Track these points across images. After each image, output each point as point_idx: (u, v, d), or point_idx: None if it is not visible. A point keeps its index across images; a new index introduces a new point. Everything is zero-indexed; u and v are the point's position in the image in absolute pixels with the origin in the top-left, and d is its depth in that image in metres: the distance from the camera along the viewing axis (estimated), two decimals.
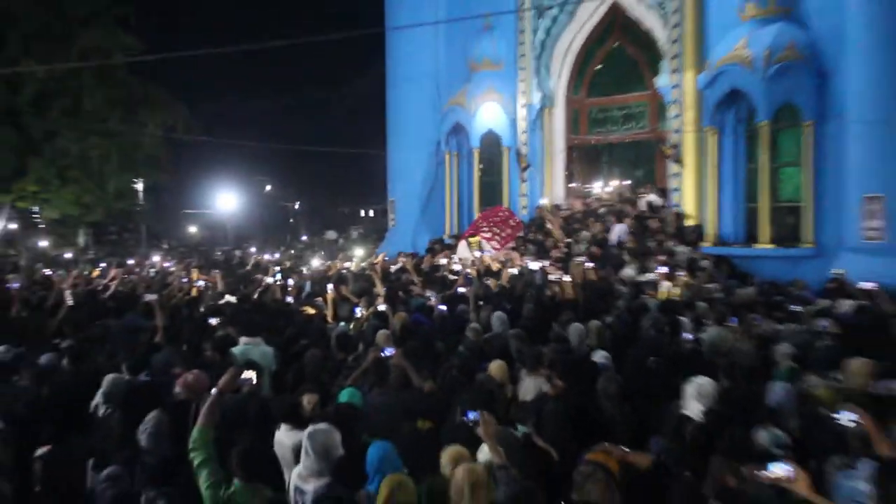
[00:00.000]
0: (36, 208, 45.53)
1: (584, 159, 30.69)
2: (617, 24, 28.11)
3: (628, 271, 18.92)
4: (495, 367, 9.38)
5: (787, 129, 21.75)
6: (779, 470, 5.23)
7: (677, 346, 10.79)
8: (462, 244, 23.98)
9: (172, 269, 22.53)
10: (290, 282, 17.86)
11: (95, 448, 7.97)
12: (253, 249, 29.06)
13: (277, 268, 20.26)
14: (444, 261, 21.37)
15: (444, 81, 31.56)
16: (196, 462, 6.43)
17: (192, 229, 52.18)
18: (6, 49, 40.94)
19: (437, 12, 30.50)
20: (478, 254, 21.86)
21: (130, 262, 24.30)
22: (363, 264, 20.38)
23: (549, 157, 29.59)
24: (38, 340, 11.98)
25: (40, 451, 7.06)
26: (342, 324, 13.48)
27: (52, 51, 40.76)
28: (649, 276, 17.05)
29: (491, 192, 30.47)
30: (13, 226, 45.86)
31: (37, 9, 41.24)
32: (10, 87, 40.88)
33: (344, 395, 7.40)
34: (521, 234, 23.45)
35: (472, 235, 24.22)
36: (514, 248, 22.19)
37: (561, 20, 28.10)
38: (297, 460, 6.67)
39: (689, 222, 23.63)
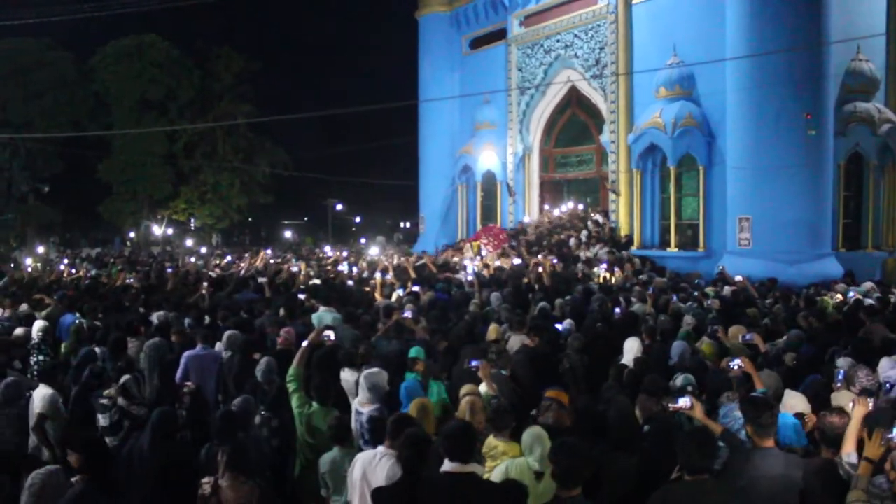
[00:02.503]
0: (184, 219, 45.85)
1: (551, 190, 30.58)
2: (573, 100, 28.02)
3: (582, 264, 18.88)
4: (492, 328, 9.33)
5: (688, 171, 21.72)
6: (682, 402, 5.19)
7: (615, 317, 10.73)
8: (467, 246, 24.12)
9: (274, 260, 22.44)
10: (354, 270, 17.82)
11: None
12: (328, 248, 28.93)
13: (345, 261, 20.16)
14: (455, 259, 21.26)
15: (457, 136, 31.74)
16: (290, 390, 6.43)
17: (288, 233, 52.06)
18: (168, 114, 41.43)
19: (453, 89, 30.79)
20: (478, 256, 21.97)
21: (247, 255, 24.19)
22: (402, 259, 20.27)
23: (528, 189, 29.52)
24: (185, 308, 11.94)
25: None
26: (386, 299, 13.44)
27: (197, 115, 41.15)
28: (596, 269, 16.99)
29: (489, 211, 30.66)
30: (170, 231, 46.08)
31: (188, 90, 41.60)
32: (170, 139, 41.29)
33: (412, 352, 7.34)
34: (506, 244, 23.45)
35: (475, 241, 24.51)
36: (501, 251, 22.13)
37: (536, 97, 28.05)
38: (356, 393, 6.64)
39: (623, 233, 23.54)
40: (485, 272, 16.69)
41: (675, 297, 12.41)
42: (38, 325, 9.14)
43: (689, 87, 21.39)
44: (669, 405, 5.34)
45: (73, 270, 19.96)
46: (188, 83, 42.00)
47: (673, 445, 4.50)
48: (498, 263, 18.35)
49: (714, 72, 19.50)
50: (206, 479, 4.85)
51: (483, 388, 6.72)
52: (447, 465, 4.28)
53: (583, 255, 20.72)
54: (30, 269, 20.30)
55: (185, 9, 31.93)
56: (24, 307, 11.59)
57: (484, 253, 22.22)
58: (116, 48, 40.45)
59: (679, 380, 6.58)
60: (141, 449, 5.65)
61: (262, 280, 14.76)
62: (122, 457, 5.70)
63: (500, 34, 29.79)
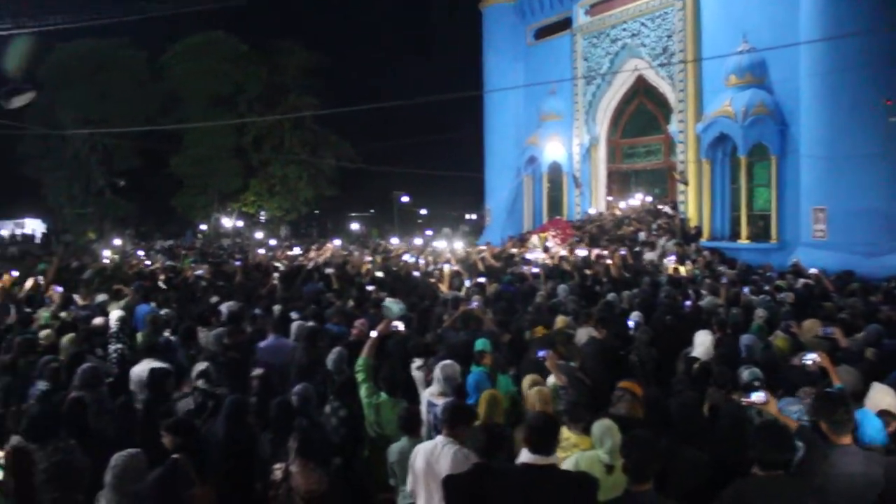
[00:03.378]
0: (254, 212, 46.68)
1: (618, 181, 30.28)
2: (640, 89, 27.68)
3: (649, 256, 18.64)
4: (559, 319, 9.25)
5: (759, 161, 21.20)
6: (756, 396, 5.10)
7: (684, 310, 10.57)
8: (534, 238, 24.03)
9: (342, 252, 22.65)
10: (420, 261, 17.88)
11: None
12: (394, 240, 29.11)
13: (409, 253, 20.22)
14: (514, 250, 21.15)
15: (522, 127, 31.62)
16: (359, 380, 6.50)
17: (355, 226, 52.57)
18: (237, 108, 42.14)
19: (518, 80, 30.64)
20: (547, 245, 21.84)
21: (314, 247, 24.48)
22: (469, 251, 20.25)
23: (595, 180, 29.30)
24: (255, 299, 12.19)
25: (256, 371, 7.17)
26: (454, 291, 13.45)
27: (264, 109, 41.84)
28: (665, 261, 16.75)
29: (555, 203, 30.50)
30: (240, 223, 46.98)
31: (256, 84, 42.30)
32: (238, 133, 42.05)
33: (478, 344, 7.36)
34: (573, 237, 23.27)
35: (542, 233, 24.44)
36: (569, 244, 21.96)
37: (602, 87, 27.87)
38: (425, 383, 6.69)
39: (692, 225, 23.17)
40: (549, 263, 16.61)
41: (745, 290, 12.17)
42: (116, 314, 9.43)
43: (760, 73, 20.86)
44: (742, 399, 5.25)
45: (149, 262, 20.55)
46: (256, 78, 42.68)
47: (743, 439, 4.42)
48: (564, 255, 18.22)
49: (787, 57, 18.95)
50: (277, 465, 4.98)
51: (551, 379, 6.70)
52: (527, 457, 4.29)
53: (650, 248, 20.45)
54: (107, 261, 20.93)
55: (252, 4, 32.47)
56: (102, 297, 11.98)
57: (551, 245, 22.10)
58: (186, 45, 41.36)
59: (745, 374, 6.41)
60: (216, 434, 5.83)
61: (328, 271, 14.89)
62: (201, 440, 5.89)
63: (565, 24, 29.56)
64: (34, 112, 31.38)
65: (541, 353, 6.89)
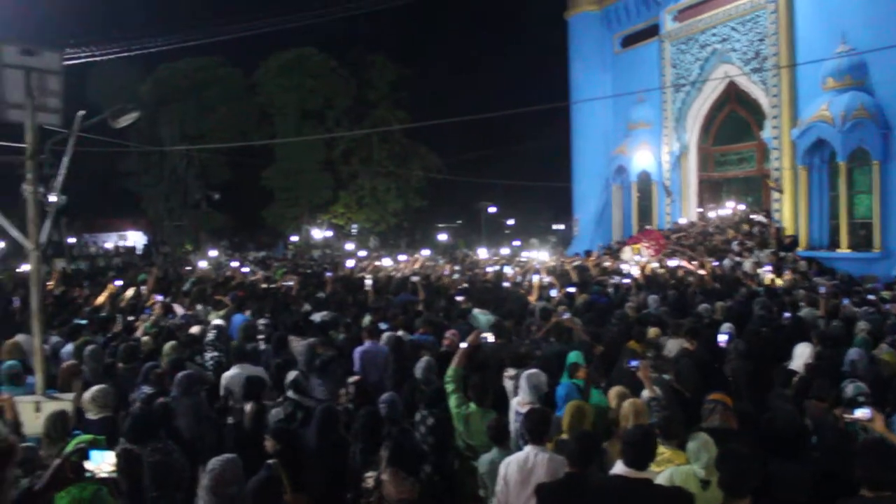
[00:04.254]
0: (343, 223, 47.49)
1: (709, 190, 29.65)
2: (732, 95, 27.07)
3: (746, 266, 18.15)
4: (652, 331, 9.09)
5: (860, 167, 20.46)
6: (861, 413, 4.89)
7: (780, 321, 10.23)
8: (627, 249, 23.73)
9: (428, 263, 22.76)
10: (508, 271, 17.82)
11: None
12: (481, 250, 29.14)
13: (497, 263, 20.15)
14: (606, 263, 20.89)
15: (610, 137, 31.49)
16: (448, 390, 6.52)
17: (442, 237, 52.86)
18: (325, 122, 42.98)
19: (605, 89, 30.39)
20: (637, 257, 21.49)
21: (402, 257, 24.69)
22: (563, 261, 20.07)
23: (685, 189, 28.80)
24: (345, 308, 12.37)
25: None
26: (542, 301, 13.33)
27: (353, 123, 42.61)
28: (760, 272, 16.28)
29: (645, 212, 30.18)
30: (329, 234, 47.84)
31: (345, 98, 43.12)
32: (328, 146, 42.92)
33: (572, 357, 7.30)
34: (667, 248, 22.83)
35: (635, 244, 24.10)
36: (663, 254, 21.56)
37: (692, 94, 27.40)
38: (515, 392, 6.68)
39: (787, 234, 22.48)
40: (639, 275, 16.36)
41: (845, 301, 11.70)
42: (214, 323, 9.71)
43: (860, 76, 20.15)
44: (845, 415, 5.04)
45: (247, 270, 21.18)
46: (345, 92, 43.55)
47: (846, 457, 4.24)
48: (655, 266, 17.91)
49: (890, 58, 18.17)
50: (369, 473, 5.05)
51: (646, 392, 6.58)
52: (621, 469, 4.24)
53: (745, 257, 19.92)
54: (203, 271, 21.61)
55: (339, 20, 33.16)
56: (200, 307, 12.39)
57: (644, 255, 21.77)
58: (278, 62, 42.51)
59: (850, 388, 6.13)
60: (308, 441, 5.94)
61: (414, 279, 14.96)
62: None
63: (653, 31, 29.23)
64: (136, 130, 32.71)
65: (633, 363, 6.79)
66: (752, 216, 25.56)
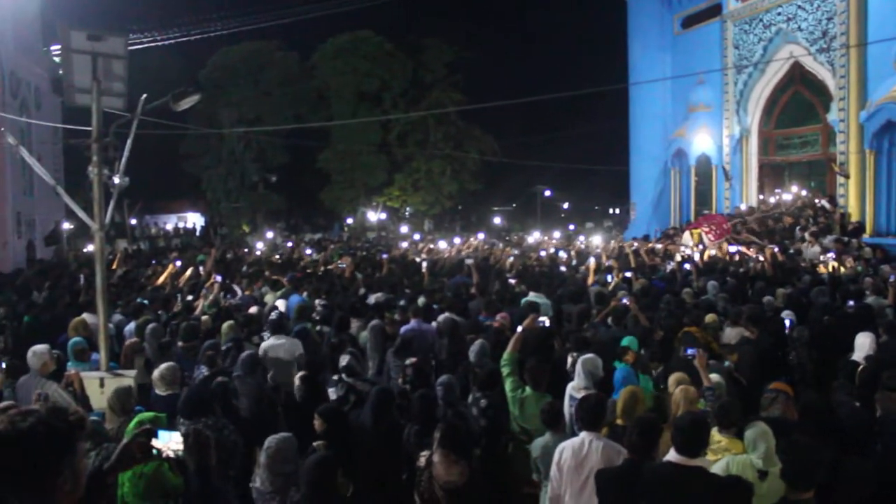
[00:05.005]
0: (398, 206, 47.72)
1: (771, 174, 28.99)
2: (797, 76, 26.34)
3: (809, 253, 17.72)
4: (709, 316, 8.94)
5: None
6: None
7: (844, 310, 9.95)
8: (686, 234, 23.31)
9: (483, 246, 22.73)
10: (562, 254, 17.72)
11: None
12: (536, 234, 29.00)
13: (553, 247, 20.05)
14: (662, 246, 20.55)
15: (669, 119, 30.87)
16: (504, 374, 6.52)
17: (497, 220, 52.75)
18: (382, 104, 43.19)
19: (664, 71, 29.81)
20: (693, 243, 21.13)
21: (457, 240, 24.69)
22: (623, 245, 19.86)
23: (746, 173, 28.22)
24: (399, 290, 12.44)
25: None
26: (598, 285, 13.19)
27: (409, 105, 42.69)
28: (823, 259, 15.87)
29: (703, 197, 29.69)
30: (384, 216, 48.12)
31: (401, 81, 43.20)
32: (384, 129, 43.10)
33: (624, 341, 7.25)
34: (729, 233, 22.35)
35: (695, 229, 23.65)
36: (726, 239, 21.13)
37: (755, 75, 26.76)
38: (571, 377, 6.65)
39: (853, 220, 21.86)
40: (699, 260, 16.09)
41: None
42: (274, 304, 9.85)
43: None
44: None
45: (310, 252, 21.57)
46: (401, 75, 43.63)
47: None
48: (714, 252, 17.58)
49: None
50: (423, 453, 5.08)
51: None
52: (673, 457, 4.18)
53: (808, 243, 19.43)
54: (259, 253, 21.96)
55: (396, 3, 33.18)
56: (262, 288, 12.64)
57: (705, 241, 21.38)
58: (334, 45, 42.72)
59: None
60: (363, 423, 5.99)
61: (468, 262, 14.96)
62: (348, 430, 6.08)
63: (715, 10, 28.54)
64: (196, 113, 33.24)
65: (690, 352, 6.68)
66: (815, 201, 24.91)
